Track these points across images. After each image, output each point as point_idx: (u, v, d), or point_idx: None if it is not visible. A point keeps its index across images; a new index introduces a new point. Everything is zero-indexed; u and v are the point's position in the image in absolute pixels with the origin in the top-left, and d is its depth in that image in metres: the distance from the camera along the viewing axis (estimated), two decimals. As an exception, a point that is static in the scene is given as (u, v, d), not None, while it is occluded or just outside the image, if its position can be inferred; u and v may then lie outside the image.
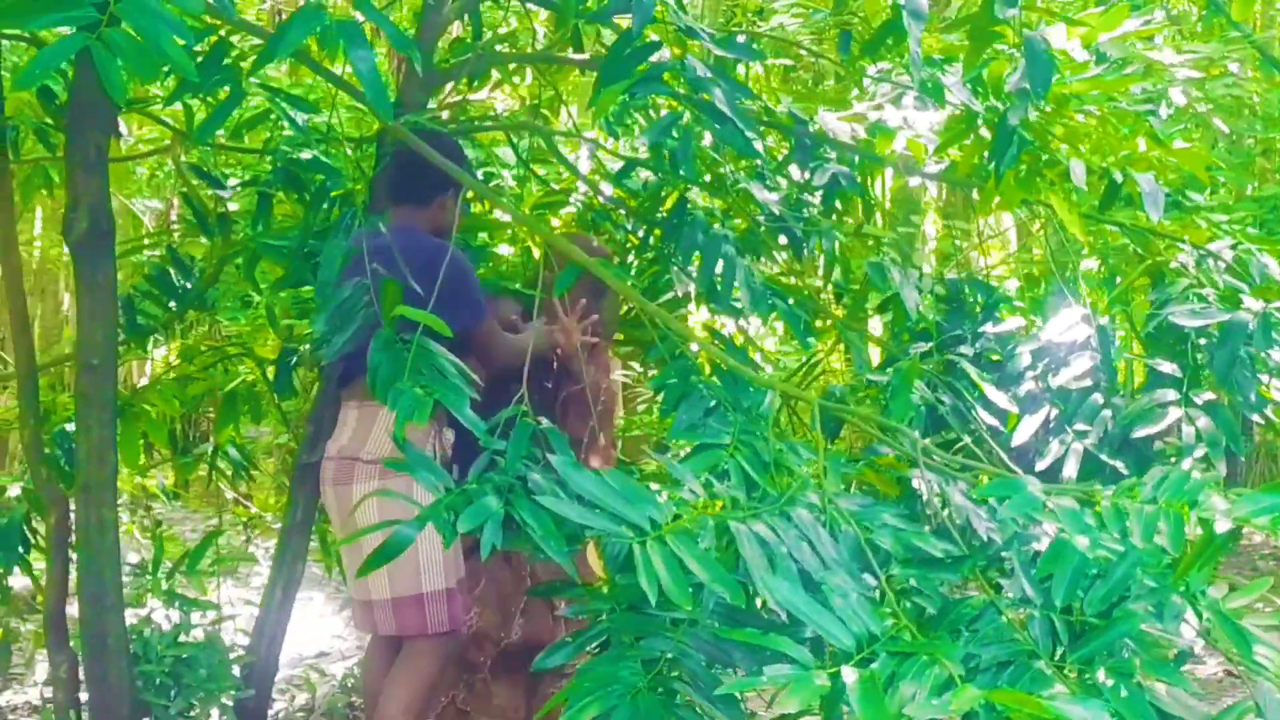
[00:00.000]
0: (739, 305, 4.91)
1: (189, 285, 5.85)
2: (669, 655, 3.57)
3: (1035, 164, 5.11)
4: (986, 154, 4.95)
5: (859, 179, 5.63)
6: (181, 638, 5.28)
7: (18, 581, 6.17)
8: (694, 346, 4.60)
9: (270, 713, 6.41)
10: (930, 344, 5.27)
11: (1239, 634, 3.61)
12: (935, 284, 5.65)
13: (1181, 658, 4.00)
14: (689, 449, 4.16)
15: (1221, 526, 3.31)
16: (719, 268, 4.94)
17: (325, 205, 5.14)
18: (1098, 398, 5.07)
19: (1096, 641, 3.39)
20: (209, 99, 5.07)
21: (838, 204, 5.68)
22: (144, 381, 8.54)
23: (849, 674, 2.99)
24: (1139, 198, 5.08)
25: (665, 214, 5.21)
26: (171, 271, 5.83)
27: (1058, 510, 3.40)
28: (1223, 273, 5.33)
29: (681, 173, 4.91)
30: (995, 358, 5.34)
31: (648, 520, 3.30)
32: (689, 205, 5.11)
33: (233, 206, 6.05)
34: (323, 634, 8.49)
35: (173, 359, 6.70)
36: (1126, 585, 3.50)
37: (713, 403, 4.29)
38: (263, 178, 5.67)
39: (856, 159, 5.62)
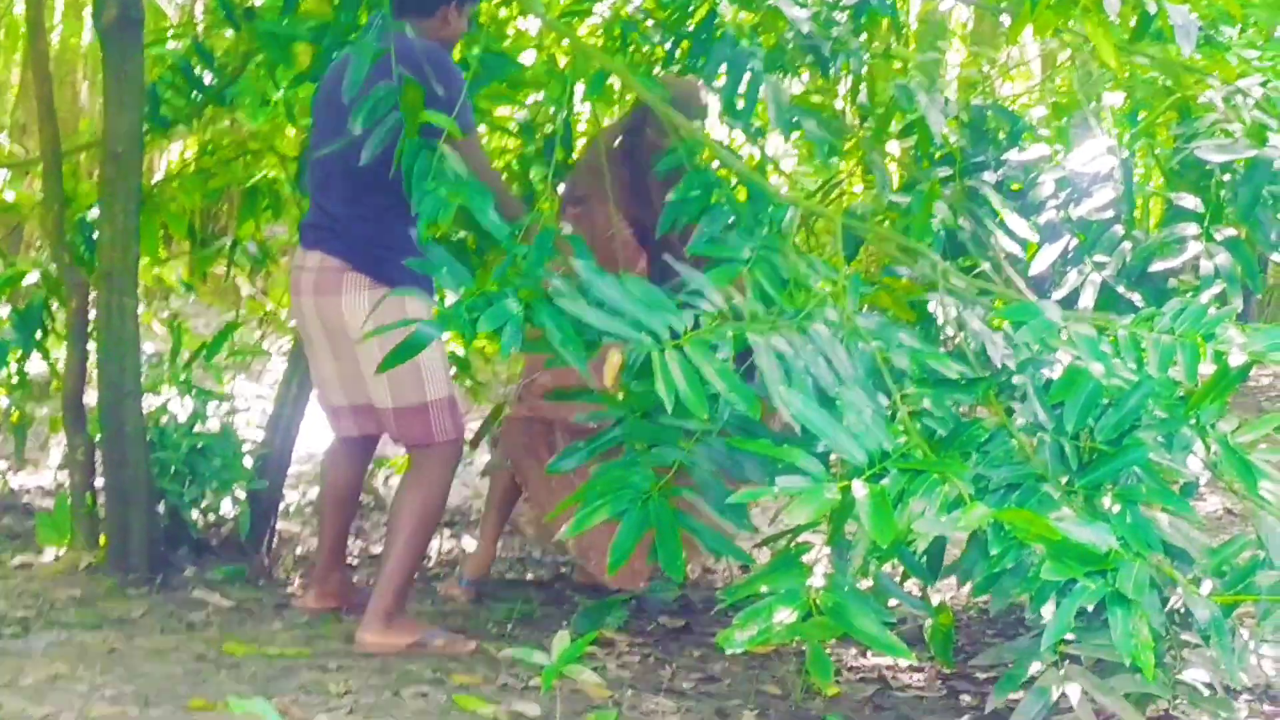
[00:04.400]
0: (758, 124, 4.89)
1: (211, 79, 5.83)
2: (681, 463, 3.62)
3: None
4: (1022, -23, 4.90)
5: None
6: (197, 428, 5.35)
7: (34, 367, 6.22)
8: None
9: (282, 505, 6.52)
10: (953, 169, 5.24)
11: (1245, 467, 3.66)
12: (960, 110, 5.61)
13: (1187, 491, 4.05)
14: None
15: (1236, 361, 3.34)
16: (744, 83, 4.91)
17: (353, 8, 5.08)
18: (1118, 229, 5.06)
19: (1105, 468, 3.43)
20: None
21: (866, 24, 5.62)
22: (163, 174, 8.52)
23: (859, 488, 3.03)
24: (1171, 31, 5.03)
25: (694, 27, 5.16)
26: (195, 64, 5.79)
27: (1074, 337, 3.42)
28: (1251, 109, 5.30)
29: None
30: (1017, 187, 5.31)
31: (667, 329, 3.33)
32: (718, 18, 5.05)
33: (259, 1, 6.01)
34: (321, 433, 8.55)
35: (193, 153, 6.69)
36: (1138, 415, 3.54)
37: (733, 218, 4.29)
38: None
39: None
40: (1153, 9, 5.22)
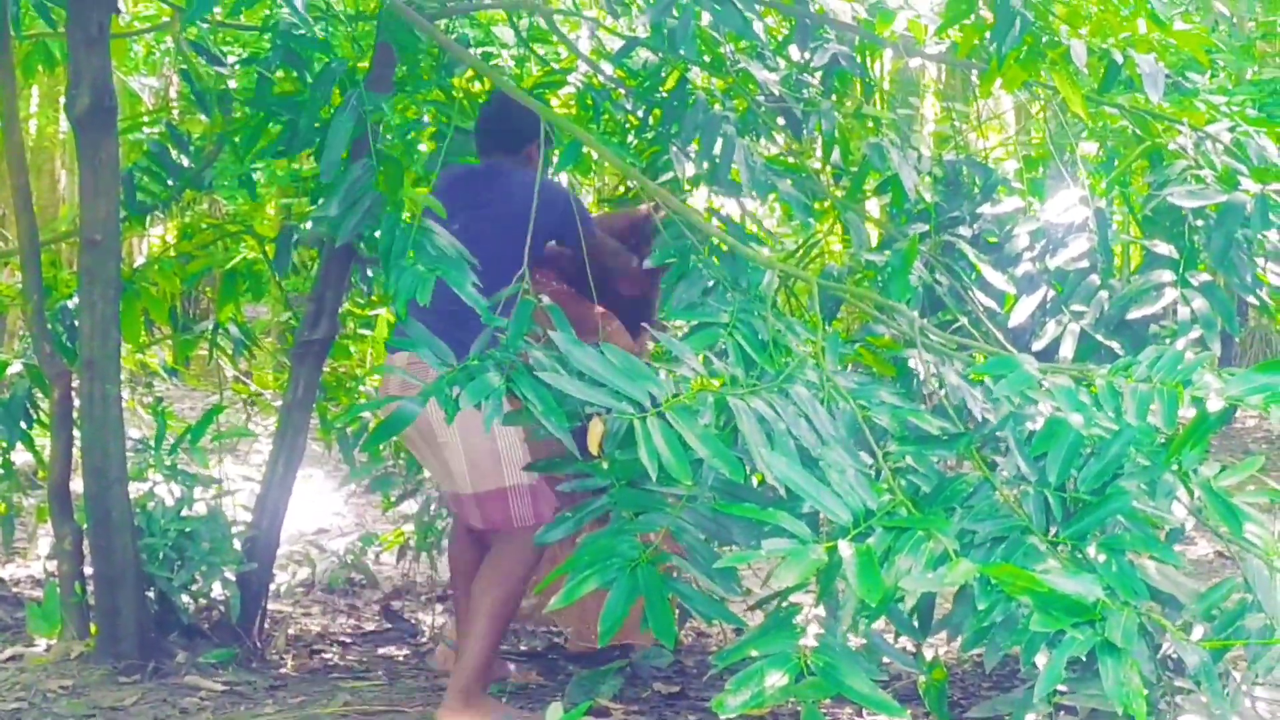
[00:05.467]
0: (738, 185, 4.93)
1: (188, 163, 5.85)
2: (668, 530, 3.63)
3: (1036, 45, 5.10)
4: (988, 35, 4.95)
5: (859, 59, 5.61)
6: (185, 512, 5.34)
7: (20, 457, 6.21)
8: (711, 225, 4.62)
9: (272, 587, 6.51)
10: (928, 225, 5.28)
11: (1229, 511, 3.67)
12: (934, 165, 5.65)
13: (1173, 536, 4.07)
14: (687, 327, 4.20)
15: (1214, 406, 3.36)
16: (718, 148, 4.95)
17: (327, 85, 5.12)
18: (1094, 279, 5.09)
19: (1089, 518, 3.45)
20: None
21: (837, 84, 5.68)
22: (143, 259, 8.53)
23: (845, 548, 3.05)
24: (1139, 79, 5.08)
25: (665, 94, 5.20)
26: (170, 149, 5.82)
27: (1053, 388, 3.44)
28: (1221, 155, 5.34)
29: (681, 52, 4.92)
30: (993, 240, 5.35)
31: (648, 396, 3.34)
32: (689, 85, 5.10)
33: (233, 85, 6.05)
34: (323, 511, 8.57)
35: (172, 237, 6.71)
36: (1120, 463, 3.56)
37: (711, 281, 4.31)
38: (262, 55, 5.65)
39: (857, 40, 5.61)
40: (1119, 59, 5.30)
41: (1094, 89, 5.38)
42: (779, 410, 3.47)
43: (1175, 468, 3.72)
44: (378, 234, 4.36)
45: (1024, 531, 3.41)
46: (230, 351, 6.43)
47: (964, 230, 5.35)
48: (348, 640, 6.00)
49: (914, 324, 3.95)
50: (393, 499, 6.73)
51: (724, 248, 4.31)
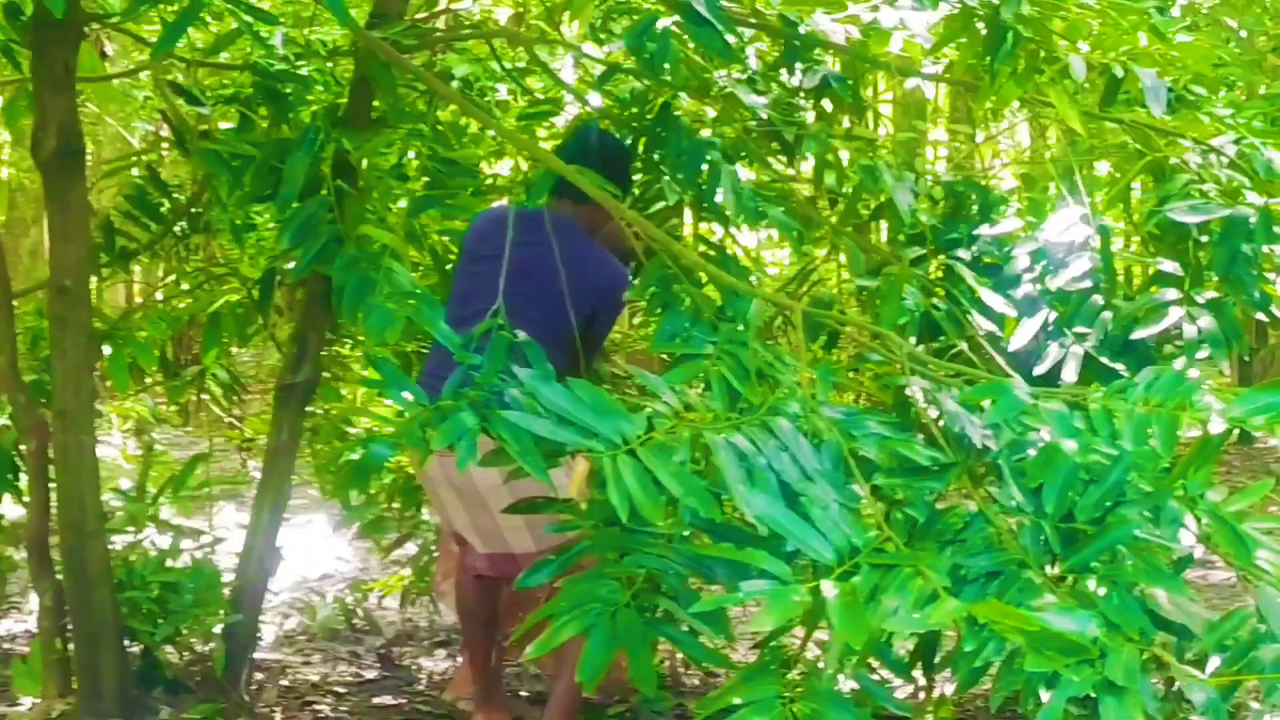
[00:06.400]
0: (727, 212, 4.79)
1: (168, 206, 5.73)
2: (650, 571, 3.47)
3: (1033, 60, 4.96)
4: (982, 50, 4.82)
5: (850, 81, 5.46)
6: (170, 563, 5.21)
7: (10, 510, 6.09)
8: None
9: (273, 635, 6.39)
10: (924, 249, 5.13)
11: (1236, 537, 3.51)
12: (933, 187, 5.51)
13: (1182, 563, 3.90)
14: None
15: (1217, 428, 3.19)
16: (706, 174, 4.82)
17: (292, 117, 4.99)
18: (1098, 299, 4.93)
19: (1088, 549, 3.28)
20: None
21: (829, 107, 5.54)
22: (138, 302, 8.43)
23: (829, 588, 2.88)
24: (1142, 94, 4.95)
25: (650, 120, 5.06)
26: (151, 191, 5.70)
27: (1045, 413, 3.27)
28: (1225, 168, 5.19)
29: (663, 77, 4.78)
30: (990, 260, 5.19)
31: (619, 434, 3.19)
32: (672, 111, 4.96)
33: (225, 125, 5.92)
34: (326, 556, 8.42)
35: (160, 281, 6.59)
36: (1120, 490, 3.39)
37: (695, 312, 4.17)
38: (244, 94, 5.53)
39: (850, 61, 5.48)
40: (1120, 72, 5.17)
41: (1096, 104, 5.25)
42: (759, 445, 3.31)
43: (1181, 493, 3.56)
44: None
45: (1020, 566, 3.24)
46: (220, 396, 6.30)
47: (963, 253, 5.19)
48: (342, 690, 5.85)
49: (902, 349, 3.79)
50: (386, 543, 6.59)
51: (704, 278, 4.16)
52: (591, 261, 4.68)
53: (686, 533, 3.49)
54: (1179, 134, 5.26)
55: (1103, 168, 6.44)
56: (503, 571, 4.81)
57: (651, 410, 3.33)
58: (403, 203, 5.54)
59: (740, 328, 4.10)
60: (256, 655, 6.39)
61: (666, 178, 5.14)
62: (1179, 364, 4.27)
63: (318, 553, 8.29)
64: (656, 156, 5.11)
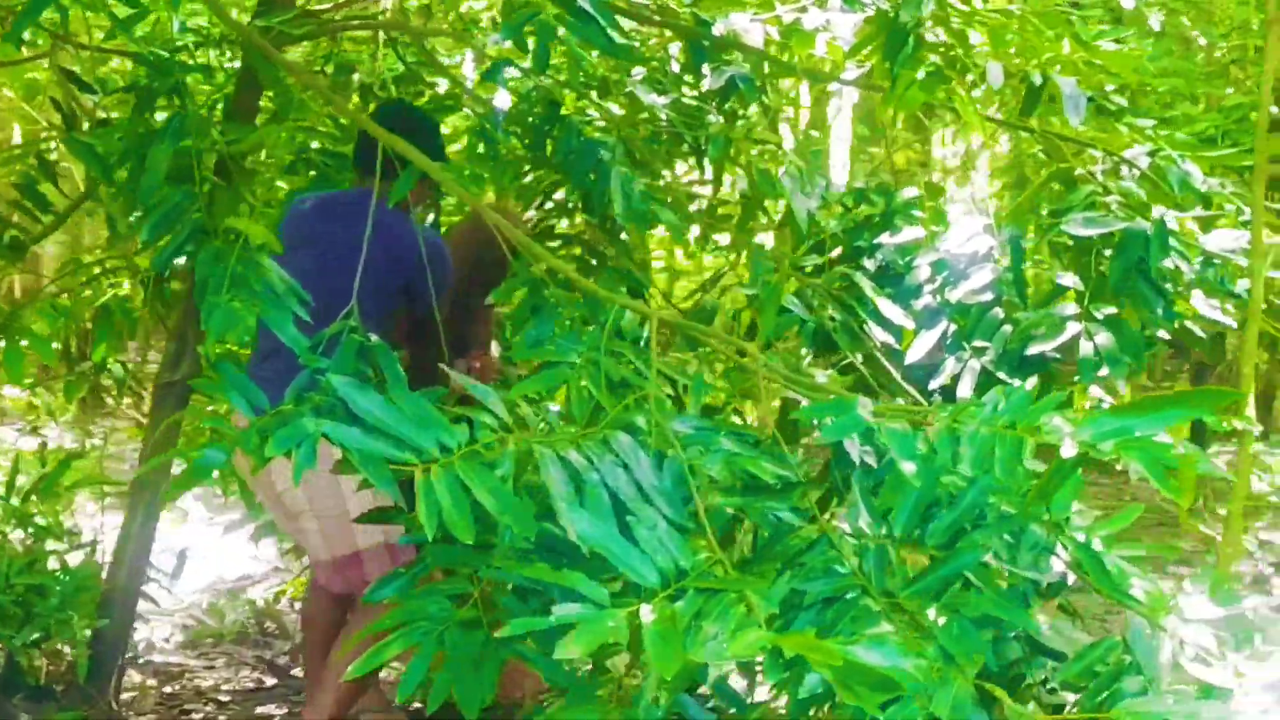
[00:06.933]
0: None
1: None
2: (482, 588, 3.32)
3: (943, 66, 4.84)
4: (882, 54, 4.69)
5: (758, 83, 5.30)
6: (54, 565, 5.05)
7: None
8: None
9: (181, 638, 6.26)
10: (821, 257, 4.98)
11: (1099, 565, 3.37)
12: (846, 194, 5.35)
13: (1054, 589, 3.76)
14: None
15: (1068, 451, 3.03)
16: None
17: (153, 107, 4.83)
18: (998, 312, 4.78)
19: (931, 576, 3.13)
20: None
21: (733, 108, 5.38)
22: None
23: (647, 613, 2.73)
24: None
25: (535, 122, 4.90)
26: (41, 181, 5.53)
27: (886, 433, 3.11)
28: (1137, 180, 5.06)
29: (548, 74, 4.63)
30: (898, 271, 5.04)
31: (437, 445, 3.03)
32: (560, 110, 4.80)
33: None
34: (245, 558, 8.25)
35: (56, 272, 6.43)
36: (976, 514, 3.25)
37: (567, 319, 4.02)
38: (141, 82, 5.36)
39: (759, 63, 5.32)
40: (1038, 80, 5.06)
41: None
42: (594, 460, 3.16)
43: (1045, 518, 3.42)
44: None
45: (860, 592, 3.09)
46: (115, 392, 6.14)
47: (869, 262, 5.04)
48: (226, 698, 5.68)
49: (759, 361, 3.62)
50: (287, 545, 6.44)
51: (562, 278, 4.00)
52: (396, 234, 4.46)
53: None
54: (1090, 144, 5.13)
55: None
56: (348, 579, 4.60)
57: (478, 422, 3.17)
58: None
59: (612, 336, 3.95)
60: (158, 659, 6.27)
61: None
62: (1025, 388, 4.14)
63: (240, 554, 8.12)
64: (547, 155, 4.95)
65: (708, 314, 4.69)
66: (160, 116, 4.95)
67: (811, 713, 3.17)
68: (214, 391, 3.57)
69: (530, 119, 4.97)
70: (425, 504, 2.89)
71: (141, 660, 6.31)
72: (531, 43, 4.27)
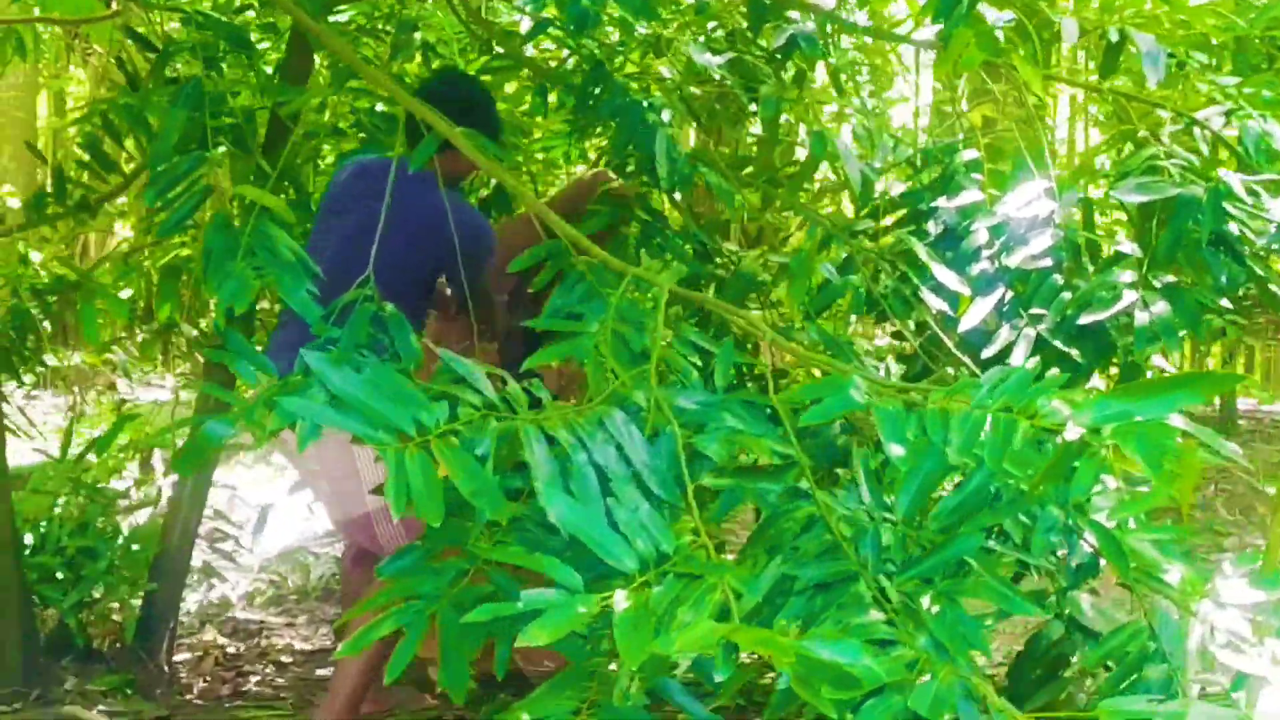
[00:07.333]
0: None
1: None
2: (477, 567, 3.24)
3: (1015, 22, 4.71)
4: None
5: (822, 43, 5.15)
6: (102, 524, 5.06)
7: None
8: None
9: (269, 593, 6.30)
10: (877, 223, 4.84)
11: (1113, 546, 3.25)
12: (914, 155, 5.21)
13: (1084, 571, 3.65)
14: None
15: (1071, 435, 2.90)
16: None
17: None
18: (1058, 278, 4.63)
19: (928, 562, 3.02)
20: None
21: (797, 68, 5.26)
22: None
23: (621, 600, 2.65)
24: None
25: (582, 80, 4.79)
26: (105, 141, 5.53)
27: (876, 414, 3.00)
28: (1209, 142, 4.87)
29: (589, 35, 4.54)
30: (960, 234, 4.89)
31: (413, 424, 2.96)
32: (606, 69, 4.70)
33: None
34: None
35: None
36: (983, 497, 3.13)
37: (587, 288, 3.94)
38: (208, 43, 5.33)
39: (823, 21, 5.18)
40: (1115, 37, 4.91)
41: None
42: (585, 438, 3.08)
43: (1061, 500, 3.30)
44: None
45: (855, 577, 2.98)
46: (184, 351, 6.16)
47: (933, 226, 4.90)
48: (289, 659, 5.68)
49: (767, 336, 3.52)
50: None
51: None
52: (430, 212, 4.34)
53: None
54: (1160, 105, 4.96)
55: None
56: (364, 541, 4.55)
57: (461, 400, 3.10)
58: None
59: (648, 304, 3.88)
60: (241, 616, 6.30)
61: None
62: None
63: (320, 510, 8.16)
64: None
65: (748, 280, 4.58)
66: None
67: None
68: (222, 360, 3.52)
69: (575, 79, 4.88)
70: (395, 483, 2.82)
71: (223, 618, 6.35)
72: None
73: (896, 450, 2.92)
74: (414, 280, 4.39)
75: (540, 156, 5.98)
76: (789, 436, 3.21)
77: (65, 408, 7.96)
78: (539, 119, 5.64)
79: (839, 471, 3.66)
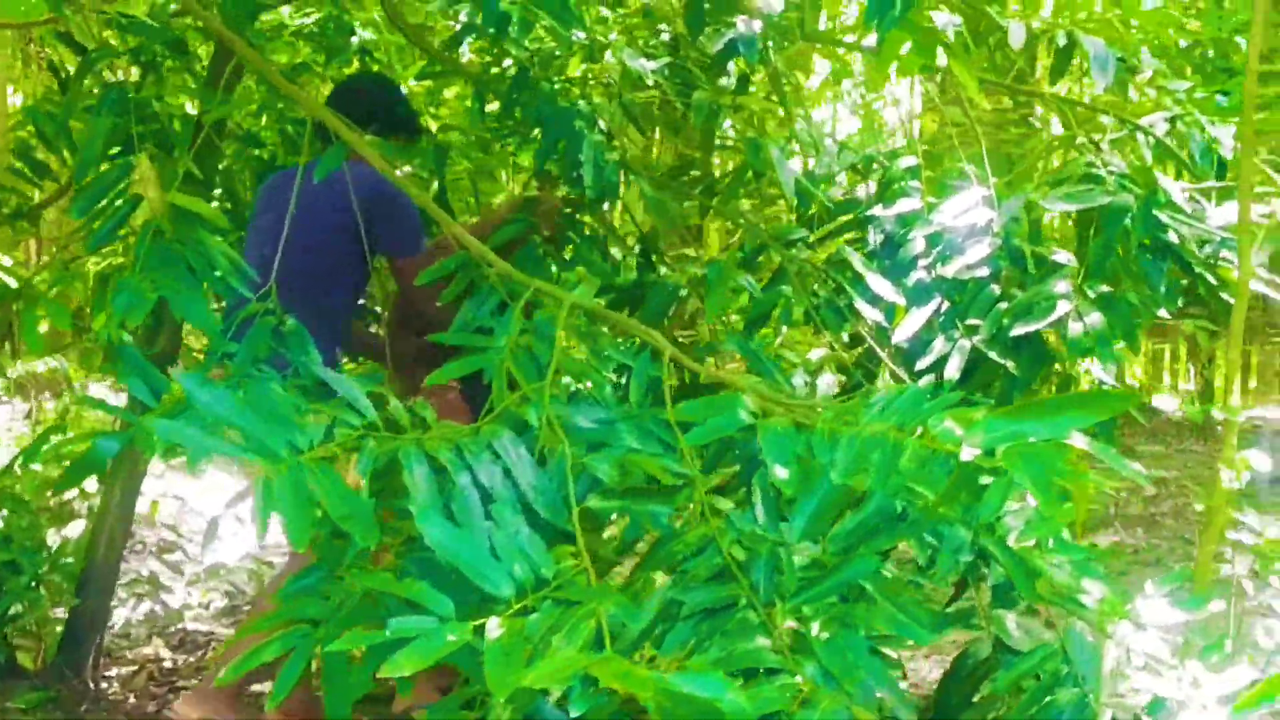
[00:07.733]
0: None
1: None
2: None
3: (930, 30, 4.61)
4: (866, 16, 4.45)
5: (761, 47, 5.05)
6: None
7: None
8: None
9: (221, 604, 6.22)
10: (814, 232, 4.76)
11: (1019, 567, 3.15)
12: (853, 164, 5.11)
13: (1003, 589, 3.57)
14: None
15: (966, 455, 2.80)
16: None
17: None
18: (994, 289, 4.54)
19: (821, 585, 2.92)
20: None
21: (738, 72, 5.16)
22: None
23: (493, 628, 2.56)
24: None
25: (507, 87, 4.70)
26: (38, 148, 5.45)
27: (760, 435, 2.90)
28: (1153, 148, 4.79)
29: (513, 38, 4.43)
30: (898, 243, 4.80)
31: (286, 445, 2.87)
32: (528, 75, 4.60)
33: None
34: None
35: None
36: (883, 518, 3.04)
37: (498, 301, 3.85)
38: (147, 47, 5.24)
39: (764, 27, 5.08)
40: (1063, 41, 4.84)
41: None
42: (471, 460, 2.99)
43: (968, 520, 3.20)
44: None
45: (742, 604, 2.89)
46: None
47: (873, 234, 4.81)
48: (227, 672, 5.60)
49: (666, 351, 3.43)
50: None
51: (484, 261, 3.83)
52: (350, 176, 4.32)
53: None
54: (1103, 110, 4.88)
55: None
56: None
57: (339, 420, 3.01)
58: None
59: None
60: (191, 627, 6.21)
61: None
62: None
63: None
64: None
65: (669, 291, 4.48)
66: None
67: None
68: (114, 375, 3.44)
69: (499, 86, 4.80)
70: (262, 507, 2.74)
71: (172, 629, 6.26)
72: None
73: (781, 472, 2.83)
74: (344, 253, 4.34)
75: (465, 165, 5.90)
76: (684, 455, 3.12)
77: (22, 415, 7.90)
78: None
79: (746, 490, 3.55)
